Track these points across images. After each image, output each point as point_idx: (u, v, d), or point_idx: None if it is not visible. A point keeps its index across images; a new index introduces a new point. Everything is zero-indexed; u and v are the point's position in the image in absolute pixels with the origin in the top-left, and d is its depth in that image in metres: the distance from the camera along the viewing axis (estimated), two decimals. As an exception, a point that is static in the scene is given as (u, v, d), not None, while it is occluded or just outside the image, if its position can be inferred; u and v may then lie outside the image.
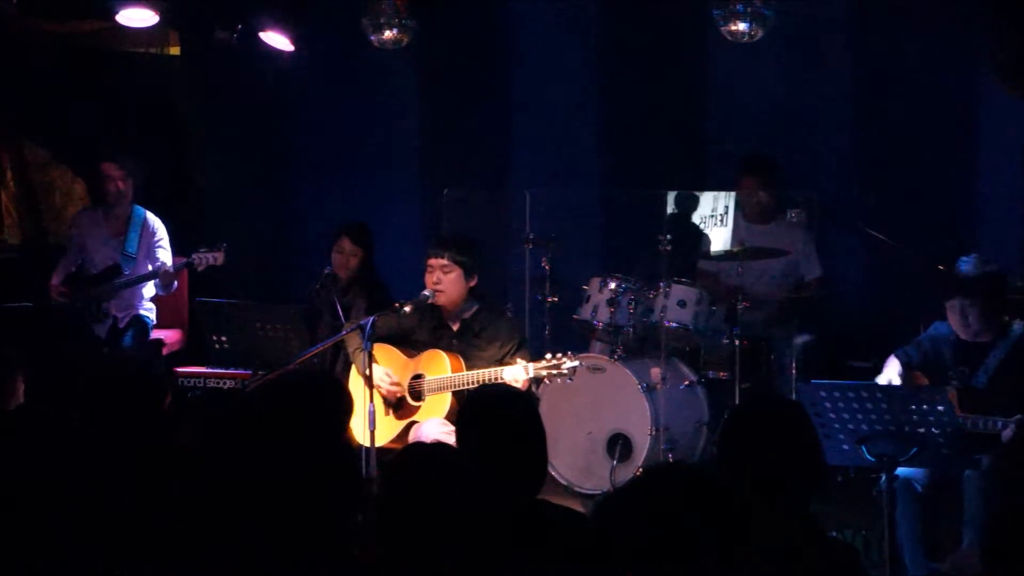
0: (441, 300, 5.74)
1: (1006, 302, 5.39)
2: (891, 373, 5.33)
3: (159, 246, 7.25)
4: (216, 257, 6.90)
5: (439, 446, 3.12)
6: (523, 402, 3.60)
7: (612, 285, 6.81)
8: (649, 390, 6.60)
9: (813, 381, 5.58)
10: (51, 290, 7.16)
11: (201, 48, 8.20)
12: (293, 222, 8.68)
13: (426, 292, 5.72)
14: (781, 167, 7.40)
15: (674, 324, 6.74)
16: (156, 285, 7.17)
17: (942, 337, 5.36)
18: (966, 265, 5.24)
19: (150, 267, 7.15)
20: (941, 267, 6.17)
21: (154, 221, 7.27)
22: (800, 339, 7.10)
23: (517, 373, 5.34)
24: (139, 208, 7.26)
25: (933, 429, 4.33)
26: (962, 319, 5.22)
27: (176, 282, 7.17)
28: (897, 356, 5.41)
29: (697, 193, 7.95)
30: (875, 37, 7.62)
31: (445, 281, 5.70)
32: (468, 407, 3.66)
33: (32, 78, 8.29)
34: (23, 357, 4.42)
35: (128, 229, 7.20)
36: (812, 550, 2.97)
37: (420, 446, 3.18)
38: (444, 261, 5.70)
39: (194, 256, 6.91)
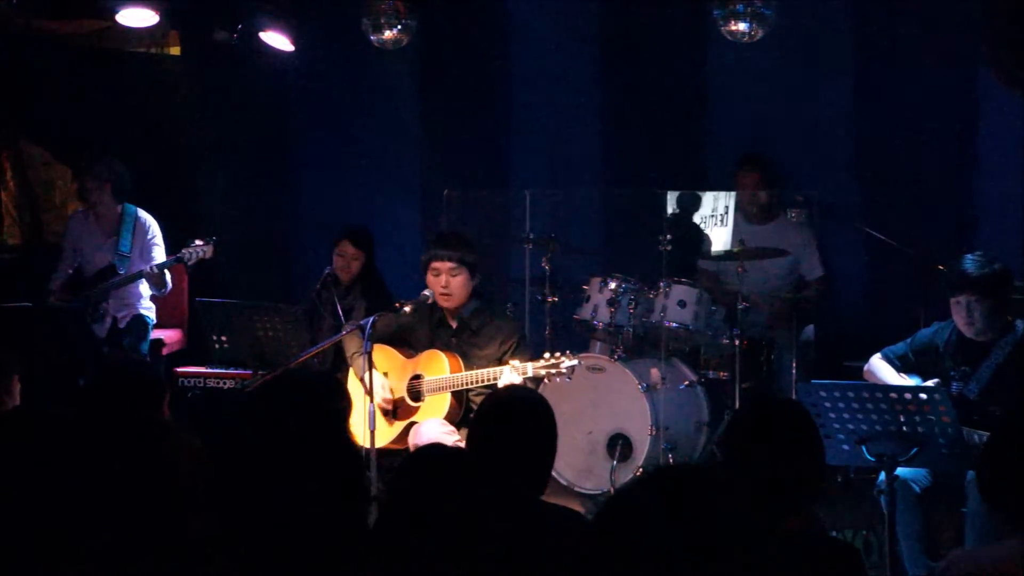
0: (450, 303, 5.65)
1: (1011, 301, 5.33)
2: (889, 376, 5.31)
3: (153, 244, 7.19)
4: (206, 251, 6.83)
5: (442, 448, 3.11)
6: (543, 407, 3.59)
7: (612, 285, 6.81)
8: (649, 390, 6.60)
9: (813, 381, 5.57)
10: (51, 296, 7.14)
11: (201, 48, 8.19)
12: (293, 222, 8.69)
13: (426, 292, 5.66)
14: (778, 165, 7.41)
15: (674, 324, 6.74)
16: (150, 286, 7.13)
17: (942, 336, 5.34)
18: (973, 262, 5.19)
19: (145, 266, 7.12)
20: (941, 267, 6.16)
21: (147, 219, 7.22)
22: (805, 334, 7.11)
23: (514, 375, 5.25)
24: (130, 206, 7.21)
25: (933, 429, 4.33)
26: (968, 316, 5.16)
27: (169, 282, 7.08)
28: (884, 358, 5.39)
29: (697, 193, 7.95)
30: (875, 37, 7.62)
31: (454, 284, 5.60)
32: (487, 406, 3.65)
33: (32, 78, 8.28)
34: (22, 357, 4.42)
35: (120, 229, 7.16)
36: (812, 550, 2.97)
37: (428, 451, 3.15)
38: (453, 264, 5.59)
39: (183, 251, 6.83)
